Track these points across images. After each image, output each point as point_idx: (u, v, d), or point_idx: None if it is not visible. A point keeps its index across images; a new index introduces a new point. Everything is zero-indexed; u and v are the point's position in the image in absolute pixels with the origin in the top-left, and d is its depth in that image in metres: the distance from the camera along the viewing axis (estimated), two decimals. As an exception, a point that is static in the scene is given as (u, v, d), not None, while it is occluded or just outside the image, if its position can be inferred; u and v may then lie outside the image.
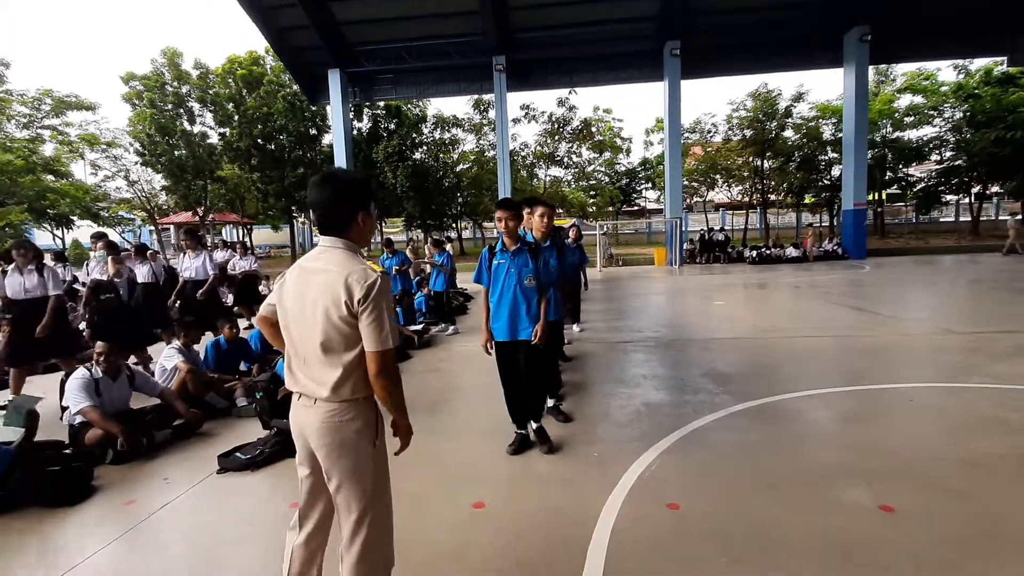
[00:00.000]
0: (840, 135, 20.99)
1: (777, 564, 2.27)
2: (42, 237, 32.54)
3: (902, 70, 25.32)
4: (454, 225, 30.20)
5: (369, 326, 1.68)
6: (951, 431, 3.65)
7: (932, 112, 23.90)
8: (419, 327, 7.63)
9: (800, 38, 18.98)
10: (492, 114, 23.04)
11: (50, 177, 21.57)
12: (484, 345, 3.61)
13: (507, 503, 2.91)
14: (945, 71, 24.04)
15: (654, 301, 11.23)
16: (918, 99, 24.25)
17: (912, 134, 25.12)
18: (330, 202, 1.78)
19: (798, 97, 24.14)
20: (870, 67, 19.49)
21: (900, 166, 26.04)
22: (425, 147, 26.65)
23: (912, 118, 24.35)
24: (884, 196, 29.08)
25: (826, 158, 25.71)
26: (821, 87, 76.56)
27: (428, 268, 9.63)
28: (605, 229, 22.33)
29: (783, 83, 58.07)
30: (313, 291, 1.73)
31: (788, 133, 25.47)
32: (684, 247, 20.16)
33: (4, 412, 3.57)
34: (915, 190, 26.70)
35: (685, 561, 2.33)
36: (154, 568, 2.50)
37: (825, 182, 26.20)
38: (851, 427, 3.84)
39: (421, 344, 7.28)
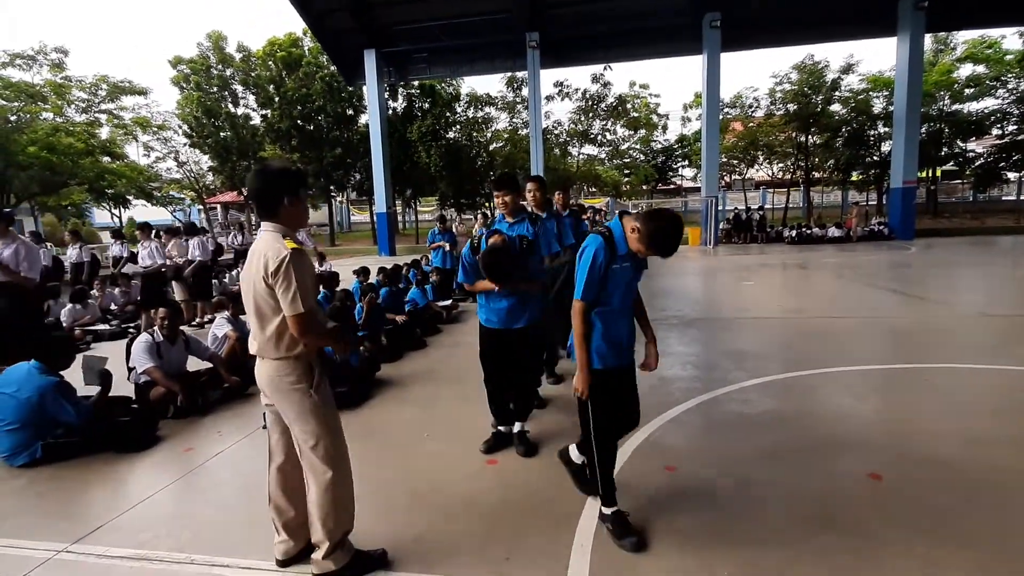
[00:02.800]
0: (892, 108, 19.97)
1: (757, 517, 2.47)
2: (101, 216, 34.66)
3: (963, 38, 23.71)
4: (487, 204, 30.42)
5: (282, 295, 1.97)
6: (959, 409, 3.70)
7: (994, 83, 22.40)
8: (447, 303, 7.95)
9: (851, 5, 18.02)
10: (525, 92, 22.92)
11: (107, 159, 22.82)
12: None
13: (517, 460, 3.19)
14: (1010, 38, 22.35)
15: (683, 281, 11.22)
16: (980, 69, 22.75)
17: (972, 106, 23.66)
18: (260, 190, 2.07)
19: (847, 68, 23.05)
20: (927, 35, 18.39)
21: (957, 141, 24.62)
22: (458, 126, 26.83)
23: (972, 89, 22.88)
24: (939, 173, 27.61)
25: (876, 133, 24.55)
26: (873, 57, 72.05)
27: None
28: (639, 208, 22.11)
29: (831, 54, 54.86)
30: (250, 269, 2.06)
31: (835, 107, 24.39)
32: (720, 226, 19.80)
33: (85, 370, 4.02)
34: (973, 167, 25.25)
35: (672, 510, 2.55)
36: (210, 502, 2.91)
37: (874, 158, 25.05)
38: (858, 403, 3.93)
39: (449, 319, 7.62)
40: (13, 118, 19.64)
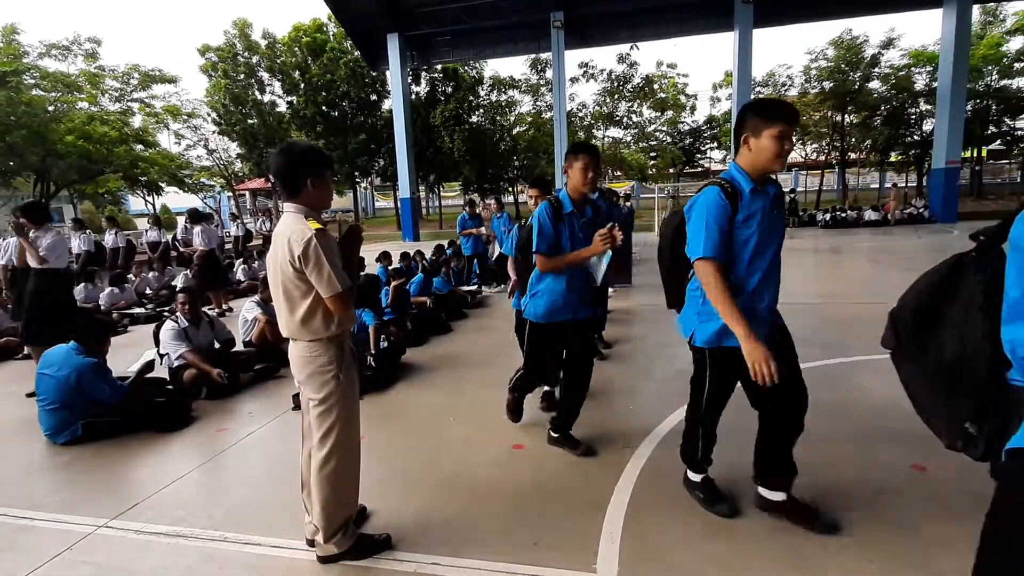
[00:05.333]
0: (935, 85, 18.95)
1: (797, 510, 2.38)
2: (135, 203, 35.66)
3: (1013, 9, 22.27)
4: (510, 189, 30.20)
5: (315, 279, 1.96)
6: (1011, 400, 3.51)
7: (1048, 56, 21.06)
8: (472, 287, 7.94)
9: (893, -24, 17.12)
10: (549, 74, 22.52)
11: (140, 147, 23.33)
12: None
13: (544, 446, 3.15)
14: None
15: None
16: (1032, 41, 21.40)
17: (1022, 82, 22.32)
18: (283, 170, 2.03)
19: (888, 43, 21.92)
20: (975, 6, 17.32)
21: (1005, 118, 23.32)
22: (482, 110, 26.55)
23: (1023, 63, 21.57)
24: (984, 153, 26.29)
25: (917, 111, 23.41)
26: (915, 32, 68.40)
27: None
28: (666, 192, 21.67)
29: (871, 28, 52.46)
30: (275, 252, 2.03)
31: (874, 84, 23.28)
32: (749, 210, 19.24)
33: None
34: (1022, 146, 23.94)
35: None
36: (242, 481, 2.97)
37: (914, 138, 23.94)
38: (898, 392, 3.73)
39: (474, 304, 7.61)
40: (51, 108, 20.20)
